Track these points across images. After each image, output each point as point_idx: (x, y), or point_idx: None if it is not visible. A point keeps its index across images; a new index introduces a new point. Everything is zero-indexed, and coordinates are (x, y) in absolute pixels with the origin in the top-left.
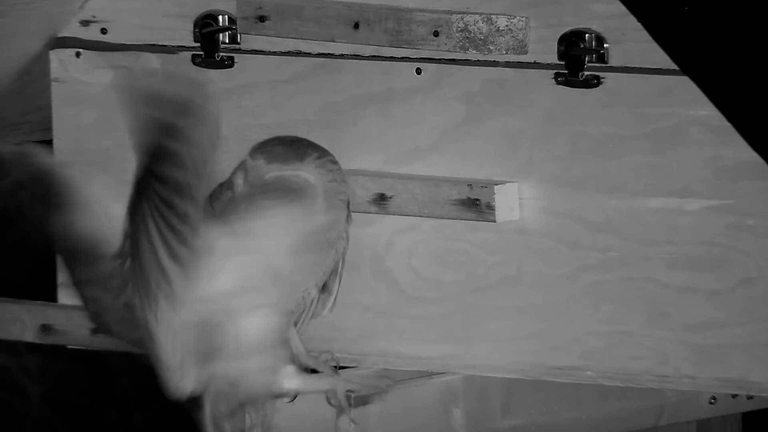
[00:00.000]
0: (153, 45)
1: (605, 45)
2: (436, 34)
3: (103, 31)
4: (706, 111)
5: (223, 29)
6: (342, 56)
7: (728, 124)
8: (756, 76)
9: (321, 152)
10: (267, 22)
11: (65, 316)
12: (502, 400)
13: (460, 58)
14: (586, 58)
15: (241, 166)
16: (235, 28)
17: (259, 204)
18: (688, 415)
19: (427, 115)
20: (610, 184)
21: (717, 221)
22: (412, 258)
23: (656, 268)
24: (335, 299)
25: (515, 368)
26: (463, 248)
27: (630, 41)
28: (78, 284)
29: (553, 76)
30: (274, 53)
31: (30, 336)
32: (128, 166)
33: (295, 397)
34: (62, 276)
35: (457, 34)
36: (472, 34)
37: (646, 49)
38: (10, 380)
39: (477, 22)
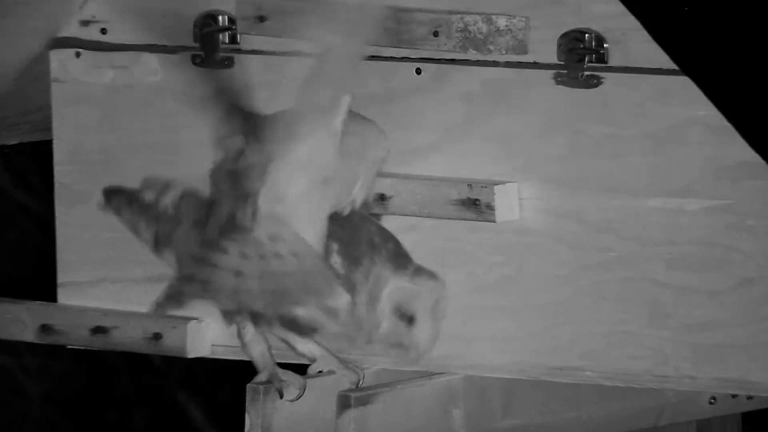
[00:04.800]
0: (153, 45)
1: (605, 45)
2: (435, 34)
3: (103, 31)
4: (706, 111)
5: (223, 29)
6: None
7: (728, 124)
8: (756, 76)
9: None
10: (267, 22)
11: (65, 316)
12: (502, 400)
13: (460, 58)
14: (586, 58)
15: None
16: (235, 28)
17: None
18: (688, 415)
19: (427, 115)
20: (610, 184)
21: (717, 221)
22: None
23: (656, 268)
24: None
25: (515, 368)
26: (463, 248)
27: (630, 41)
28: None
29: (553, 76)
30: (274, 53)
31: (30, 336)
32: (128, 166)
33: (298, 398)
34: (62, 276)
35: (456, 34)
36: (471, 34)
37: (646, 49)
38: (10, 380)
39: (477, 22)
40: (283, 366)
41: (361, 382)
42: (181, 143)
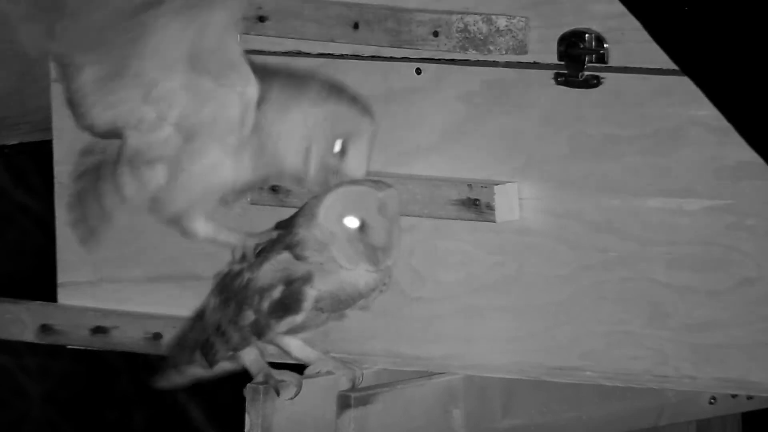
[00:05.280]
0: None
1: (605, 45)
2: (435, 34)
3: None
4: (706, 111)
5: None
6: (342, 56)
7: (728, 124)
8: (756, 76)
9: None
10: (267, 22)
11: (65, 316)
12: (502, 400)
13: (460, 58)
14: (586, 58)
15: None
16: None
17: None
18: (688, 415)
19: (427, 115)
20: (610, 184)
21: (717, 221)
22: (412, 258)
23: (656, 268)
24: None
25: (515, 368)
26: (463, 248)
27: (630, 41)
28: None
29: (553, 76)
30: (274, 53)
31: (30, 336)
32: None
33: (295, 395)
34: (62, 276)
35: (456, 35)
36: (471, 35)
37: (646, 49)
38: (10, 380)
39: (477, 22)
40: (282, 367)
41: (360, 380)
42: None
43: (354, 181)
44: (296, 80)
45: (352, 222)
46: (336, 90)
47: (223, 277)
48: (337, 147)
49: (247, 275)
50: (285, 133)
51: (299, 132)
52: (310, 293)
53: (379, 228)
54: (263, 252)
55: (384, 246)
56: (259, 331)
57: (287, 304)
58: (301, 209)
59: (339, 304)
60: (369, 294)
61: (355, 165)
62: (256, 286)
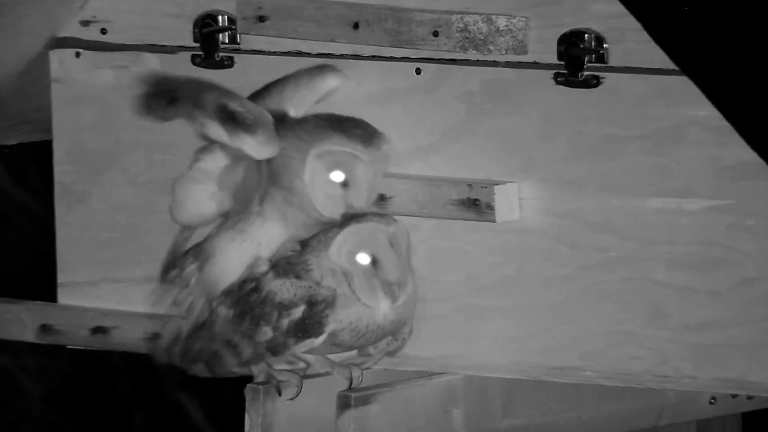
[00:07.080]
0: (153, 45)
1: (605, 45)
2: (435, 34)
3: (103, 31)
4: (706, 111)
5: (223, 29)
6: (342, 56)
7: (728, 124)
8: (756, 76)
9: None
10: (267, 22)
11: (65, 316)
12: (502, 400)
13: (460, 58)
14: (586, 58)
15: None
16: (235, 28)
17: None
18: (688, 415)
19: (427, 115)
20: (610, 184)
21: (717, 221)
22: (412, 258)
23: (656, 268)
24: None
25: (515, 368)
26: (463, 248)
27: (630, 41)
28: None
29: (552, 76)
30: (274, 53)
31: (30, 336)
32: (128, 166)
33: (296, 396)
34: (62, 276)
35: (456, 34)
36: (471, 34)
37: (646, 49)
38: (10, 380)
39: (477, 22)
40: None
41: (360, 379)
42: (181, 143)
43: (362, 217)
44: (299, 126)
45: (363, 259)
46: (333, 120)
47: (238, 290)
48: (338, 178)
49: (265, 289)
50: (301, 181)
51: (306, 172)
52: (331, 319)
53: (391, 263)
54: (279, 264)
55: (399, 281)
56: (276, 349)
57: (308, 326)
58: (316, 236)
59: (359, 339)
60: (396, 331)
61: (355, 195)
62: (275, 301)
